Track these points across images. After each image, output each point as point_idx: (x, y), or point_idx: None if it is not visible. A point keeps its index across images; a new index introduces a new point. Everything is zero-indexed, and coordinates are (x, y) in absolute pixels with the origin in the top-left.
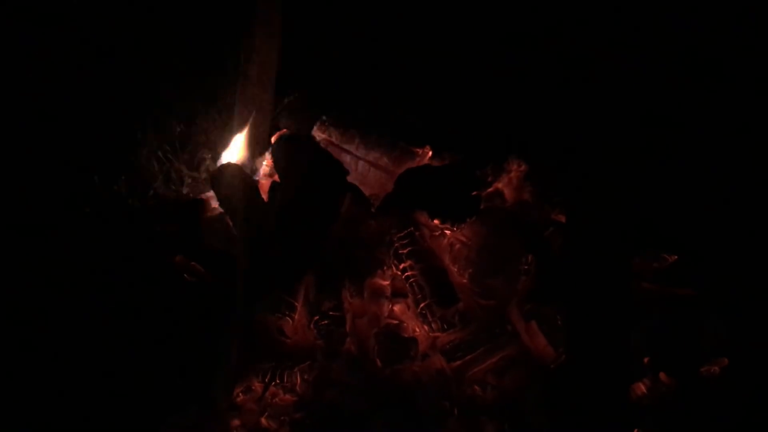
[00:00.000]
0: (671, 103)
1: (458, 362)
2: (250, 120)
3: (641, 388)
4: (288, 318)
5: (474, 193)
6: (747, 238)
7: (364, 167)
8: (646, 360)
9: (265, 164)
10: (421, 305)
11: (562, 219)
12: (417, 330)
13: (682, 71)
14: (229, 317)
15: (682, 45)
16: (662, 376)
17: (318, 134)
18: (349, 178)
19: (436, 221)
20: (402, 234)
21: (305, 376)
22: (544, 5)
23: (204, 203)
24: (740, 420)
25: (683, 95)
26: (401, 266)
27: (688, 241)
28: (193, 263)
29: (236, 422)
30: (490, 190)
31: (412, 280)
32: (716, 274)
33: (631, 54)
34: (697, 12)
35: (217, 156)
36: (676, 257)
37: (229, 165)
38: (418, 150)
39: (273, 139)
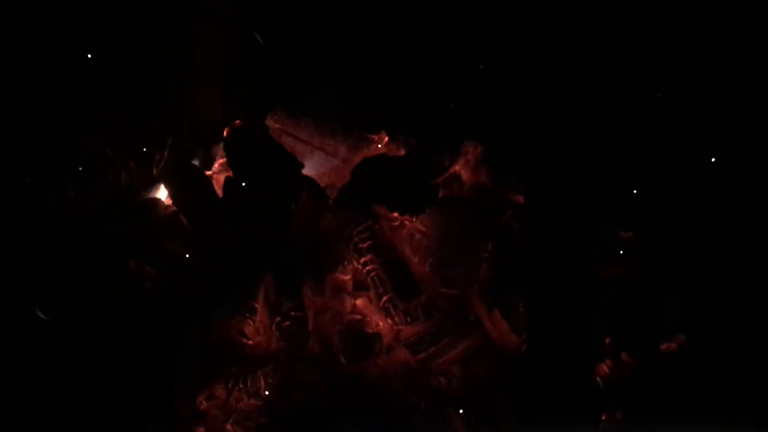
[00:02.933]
0: (625, 80)
1: (423, 354)
2: (202, 112)
3: (604, 369)
4: (249, 320)
5: (432, 182)
6: (702, 216)
7: (320, 156)
8: (607, 341)
9: (219, 158)
10: (384, 299)
11: (520, 200)
12: (380, 324)
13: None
14: (188, 322)
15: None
16: (623, 355)
17: (271, 124)
18: (305, 170)
19: (394, 213)
20: (361, 227)
21: (269, 380)
22: None
23: (157, 203)
24: (701, 394)
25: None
26: (362, 260)
27: (643, 219)
28: (147, 267)
29: (200, 430)
30: (446, 174)
31: (373, 273)
32: (671, 252)
33: (580, 30)
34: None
35: (168, 151)
36: (631, 234)
37: (181, 160)
38: (374, 136)
39: (225, 132)
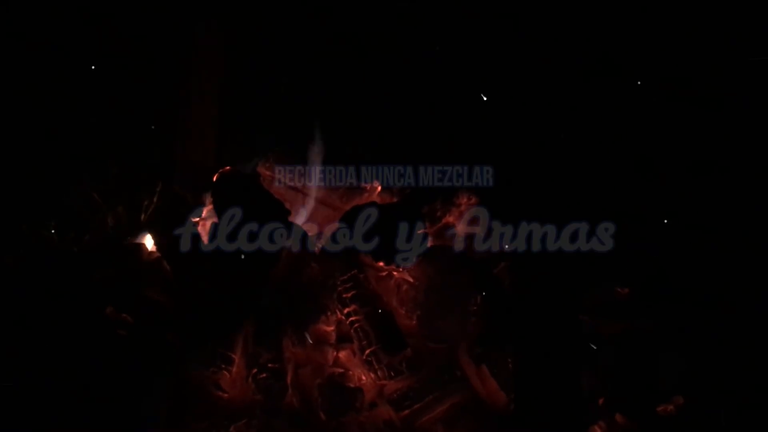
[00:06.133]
0: (614, 132)
1: (406, 411)
2: (194, 157)
3: (597, 430)
4: (225, 372)
5: (420, 231)
6: (703, 270)
7: (312, 205)
8: (600, 401)
9: (209, 204)
10: (367, 352)
11: (514, 252)
12: (363, 378)
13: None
14: (161, 373)
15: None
16: (618, 417)
17: (263, 171)
18: (296, 218)
19: (380, 263)
20: (345, 277)
21: None
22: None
23: (140, 248)
24: None
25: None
26: (345, 311)
27: (643, 273)
28: (123, 315)
29: None
30: (439, 224)
31: (356, 325)
32: (670, 308)
33: (578, 81)
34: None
35: (157, 197)
36: (628, 290)
37: (168, 206)
38: (367, 185)
39: (215, 177)
